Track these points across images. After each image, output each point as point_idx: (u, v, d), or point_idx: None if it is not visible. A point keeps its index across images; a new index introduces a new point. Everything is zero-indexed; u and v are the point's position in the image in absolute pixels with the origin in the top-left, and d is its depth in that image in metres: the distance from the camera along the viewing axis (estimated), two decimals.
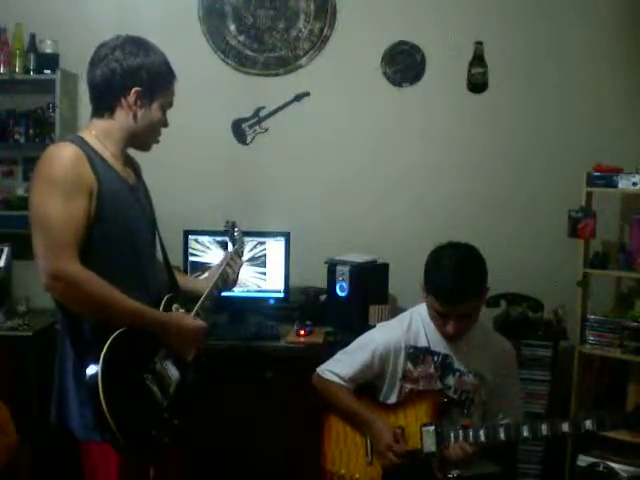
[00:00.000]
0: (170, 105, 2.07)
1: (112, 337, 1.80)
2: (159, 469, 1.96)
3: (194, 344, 2.02)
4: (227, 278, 2.31)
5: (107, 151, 1.95)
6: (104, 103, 1.97)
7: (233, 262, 2.36)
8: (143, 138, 2.03)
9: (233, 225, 2.48)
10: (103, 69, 1.94)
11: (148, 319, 1.91)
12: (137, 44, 1.97)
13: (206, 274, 2.40)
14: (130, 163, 2.10)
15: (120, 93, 1.94)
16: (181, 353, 1.99)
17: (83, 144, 1.90)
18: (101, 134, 1.96)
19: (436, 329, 2.31)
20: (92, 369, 1.75)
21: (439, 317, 2.24)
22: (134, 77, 1.94)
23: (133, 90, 1.94)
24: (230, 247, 2.47)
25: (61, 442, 1.99)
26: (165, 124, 2.06)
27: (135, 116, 1.96)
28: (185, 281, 2.35)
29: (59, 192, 1.79)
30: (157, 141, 2.09)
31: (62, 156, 1.84)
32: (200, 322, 2.05)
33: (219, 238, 3.35)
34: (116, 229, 1.91)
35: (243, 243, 2.51)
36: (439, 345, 2.32)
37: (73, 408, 1.88)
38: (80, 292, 1.79)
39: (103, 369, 1.74)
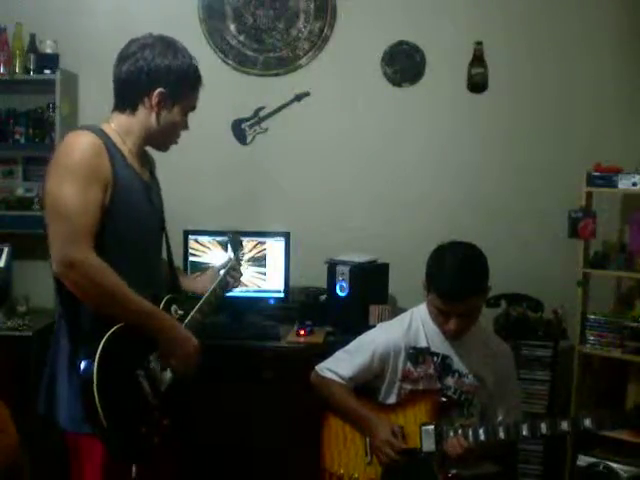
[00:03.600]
0: (193, 109, 2.06)
1: (110, 331, 1.79)
2: (143, 468, 1.95)
3: (190, 361, 1.98)
4: (227, 285, 2.30)
5: (125, 146, 1.96)
6: (127, 99, 1.97)
7: (234, 271, 2.35)
8: (162, 139, 2.03)
9: (233, 235, 2.47)
10: (130, 66, 1.94)
11: (152, 319, 1.90)
12: (167, 45, 1.97)
13: (205, 275, 2.39)
14: (147, 161, 2.10)
15: (144, 92, 1.94)
16: (175, 365, 1.95)
17: (103, 135, 1.90)
18: (121, 129, 1.96)
19: (436, 329, 2.31)
20: (87, 362, 1.74)
21: (440, 315, 2.24)
22: (159, 78, 1.94)
23: (157, 91, 1.94)
24: (230, 254, 2.45)
25: (55, 437, 1.99)
26: (186, 127, 2.07)
27: (157, 116, 1.96)
28: (183, 281, 2.35)
29: (77, 180, 1.78)
30: (175, 142, 2.09)
31: (82, 145, 1.83)
32: (195, 341, 2.00)
33: (219, 238, 3.35)
34: (128, 225, 1.91)
35: (242, 253, 2.51)
36: (439, 345, 2.32)
37: (62, 399, 1.87)
38: (93, 282, 1.78)
39: (99, 363, 1.73)
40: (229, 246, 2.47)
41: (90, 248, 1.78)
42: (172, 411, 1.98)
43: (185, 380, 2.01)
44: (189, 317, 2.07)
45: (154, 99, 1.94)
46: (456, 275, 2.18)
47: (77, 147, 1.83)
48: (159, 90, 1.94)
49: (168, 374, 1.95)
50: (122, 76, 1.96)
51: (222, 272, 2.32)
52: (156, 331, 1.90)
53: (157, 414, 1.90)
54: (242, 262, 2.48)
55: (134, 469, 1.93)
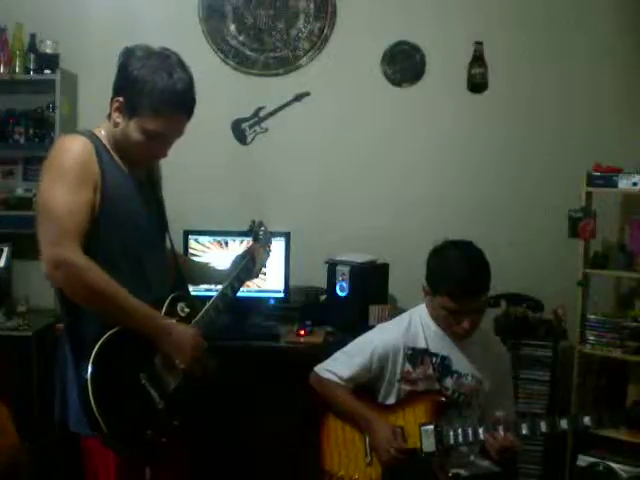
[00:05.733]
0: (162, 135, 1.92)
1: (105, 336, 1.80)
2: (156, 469, 1.96)
3: (189, 358, 1.95)
4: (252, 269, 2.28)
5: (112, 149, 1.95)
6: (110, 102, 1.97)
7: (258, 254, 2.31)
8: (127, 150, 1.96)
9: (260, 224, 2.41)
10: (119, 66, 1.93)
11: (146, 318, 1.89)
12: (163, 62, 1.91)
13: (223, 267, 2.36)
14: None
15: (111, 97, 1.94)
16: (174, 362, 1.94)
17: (93, 138, 1.91)
18: (105, 133, 1.96)
19: (436, 329, 2.31)
20: (84, 368, 1.76)
21: (451, 316, 2.23)
22: (126, 86, 1.90)
23: (116, 98, 1.92)
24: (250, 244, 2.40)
25: (64, 439, 2.01)
26: (158, 151, 1.98)
27: (117, 126, 1.93)
28: (192, 269, 2.34)
29: (66, 182, 1.80)
30: (148, 160, 2.03)
31: (72, 147, 1.86)
32: (198, 335, 1.99)
33: (219, 238, 3.36)
34: (118, 225, 1.91)
35: (270, 242, 2.44)
36: (438, 346, 2.32)
37: (73, 404, 1.88)
38: (81, 280, 1.78)
39: (94, 368, 1.74)
40: (252, 236, 2.39)
41: (77, 247, 1.79)
42: (183, 411, 1.98)
43: (195, 376, 1.99)
44: (200, 314, 2.05)
45: (113, 105, 1.93)
46: (466, 271, 2.19)
47: (68, 150, 1.86)
48: (117, 98, 1.92)
49: (177, 374, 1.95)
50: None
51: (241, 263, 2.28)
52: (149, 330, 1.89)
53: (165, 415, 1.90)
54: (269, 251, 2.43)
55: (148, 470, 1.93)
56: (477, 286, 2.20)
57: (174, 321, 1.98)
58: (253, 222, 2.41)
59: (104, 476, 1.90)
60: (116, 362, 1.81)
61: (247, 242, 2.38)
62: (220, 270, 2.37)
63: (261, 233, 2.40)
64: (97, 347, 1.77)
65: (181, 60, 1.96)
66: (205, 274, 2.43)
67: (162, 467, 1.97)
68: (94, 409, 1.72)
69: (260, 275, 2.42)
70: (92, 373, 1.74)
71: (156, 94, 1.88)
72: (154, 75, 1.88)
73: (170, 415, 1.92)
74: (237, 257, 2.34)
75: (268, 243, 2.43)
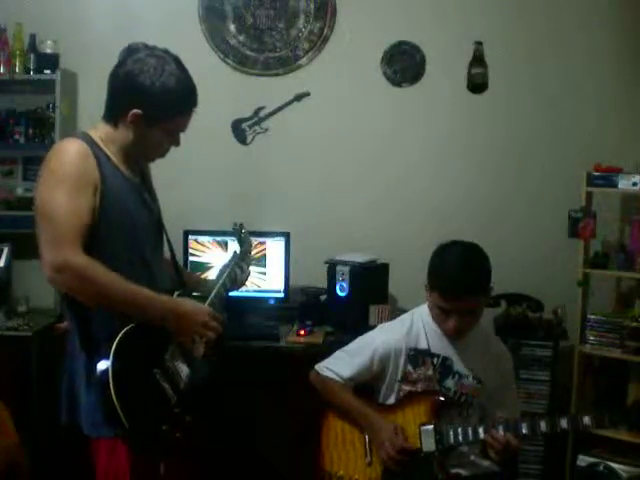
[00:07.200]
0: (181, 130, 2.04)
1: (122, 332, 1.80)
2: (170, 465, 1.96)
3: (201, 331, 1.97)
4: (236, 277, 2.30)
5: (110, 151, 1.96)
6: (110, 112, 1.98)
7: (242, 262, 2.35)
8: (143, 154, 2.04)
9: (241, 226, 2.46)
10: (116, 77, 1.94)
11: (154, 303, 1.89)
12: (160, 62, 1.94)
13: (211, 274, 2.40)
14: (137, 164, 2.09)
15: (123, 110, 1.94)
16: (187, 342, 1.96)
17: (89, 140, 1.92)
18: (105, 137, 1.97)
19: (437, 330, 2.31)
20: (102, 365, 1.76)
21: (442, 313, 2.24)
22: (137, 98, 1.92)
23: (132, 112, 1.92)
24: (237, 248, 2.45)
25: (67, 441, 2.00)
26: (175, 144, 2.05)
27: (134, 135, 1.95)
28: (190, 278, 2.36)
29: (66, 186, 1.80)
30: (162, 156, 2.08)
31: (71, 151, 1.86)
32: (208, 308, 2.01)
33: (219, 238, 3.36)
34: (120, 226, 1.92)
35: (251, 244, 2.50)
36: (439, 347, 2.32)
37: (84, 406, 1.89)
38: (85, 281, 1.79)
39: (113, 364, 1.75)
40: (235, 238, 2.46)
41: (77, 249, 1.78)
42: (194, 408, 1.99)
43: (213, 354, 2.01)
44: (207, 303, 2.07)
45: (129, 118, 1.93)
46: (457, 270, 2.20)
47: (66, 155, 1.86)
48: (134, 111, 1.92)
49: (185, 370, 1.96)
50: (110, 84, 1.97)
51: (230, 265, 2.32)
52: (161, 314, 1.90)
53: (178, 411, 1.91)
54: (250, 251, 2.47)
55: (162, 466, 1.94)
56: (464, 287, 2.18)
57: (181, 299, 1.99)
58: (235, 224, 2.46)
59: (117, 477, 1.90)
60: (132, 358, 1.82)
61: (232, 255, 2.43)
62: (213, 281, 2.37)
63: (243, 235, 2.45)
64: (115, 343, 1.78)
65: (170, 53, 1.99)
66: (200, 283, 2.42)
67: (175, 463, 1.98)
68: (115, 404, 1.72)
69: (249, 275, 2.45)
70: (112, 368, 1.74)
71: (173, 96, 1.94)
72: (159, 79, 1.92)
73: (183, 410, 1.93)
74: (227, 261, 2.37)
75: (250, 244, 2.48)
